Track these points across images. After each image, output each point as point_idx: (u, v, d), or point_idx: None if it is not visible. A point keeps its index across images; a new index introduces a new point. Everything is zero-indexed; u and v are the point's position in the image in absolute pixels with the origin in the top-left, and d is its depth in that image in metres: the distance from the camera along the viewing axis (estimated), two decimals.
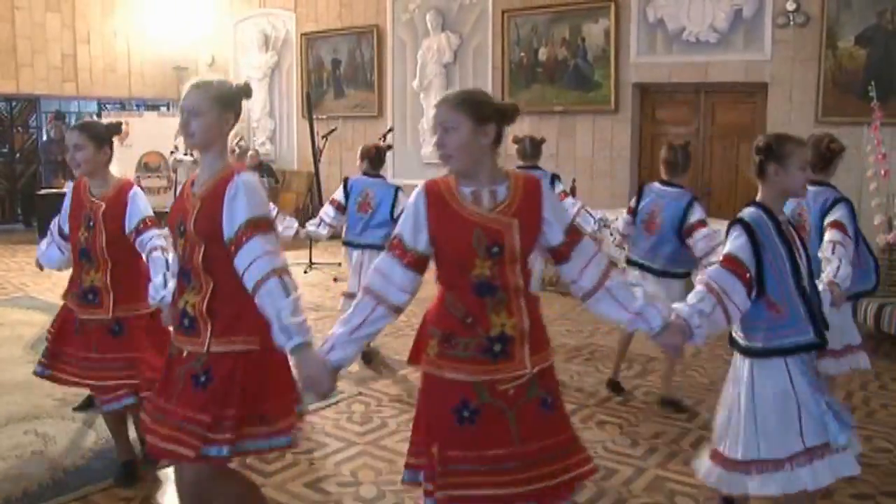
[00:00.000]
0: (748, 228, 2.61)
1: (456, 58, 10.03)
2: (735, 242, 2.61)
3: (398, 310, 2.24)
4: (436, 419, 2.22)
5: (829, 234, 3.45)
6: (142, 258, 3.24)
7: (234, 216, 2.29)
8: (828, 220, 3.52)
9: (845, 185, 7.05)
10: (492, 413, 2.19)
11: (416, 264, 2.22)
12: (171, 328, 2.54)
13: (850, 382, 4.92)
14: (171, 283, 2.59)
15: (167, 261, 2.93)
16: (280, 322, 2.19)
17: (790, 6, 7.32)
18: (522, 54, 9.33)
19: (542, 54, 9.16)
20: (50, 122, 12.57)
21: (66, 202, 3.46)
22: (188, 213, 2.37)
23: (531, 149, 5.38)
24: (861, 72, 6.94)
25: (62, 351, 3.41)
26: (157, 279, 2.89)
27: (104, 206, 3.28)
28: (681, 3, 8.06)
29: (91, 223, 3.28)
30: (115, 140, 3.53)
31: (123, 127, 3.54)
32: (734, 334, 2.71)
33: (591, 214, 5.29)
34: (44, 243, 3.72)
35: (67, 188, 3.56)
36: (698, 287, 2.59)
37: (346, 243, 5.33)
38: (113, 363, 3.26)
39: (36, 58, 11.98)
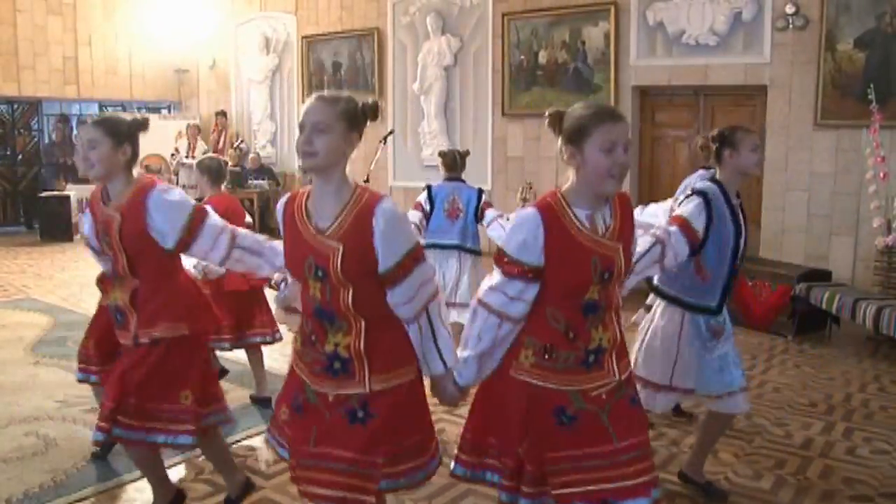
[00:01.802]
0: (707, 200, 3.09)
1: (456, 61, 10.05)
2: (690, 209, 3.07)
3: (522, 321, 2.26)
4: (533, 423, 2.23)
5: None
6: (179, 274, 2.90)
7: (391, 251, 2.15)
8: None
9: (844, 187, 7.13)
10: (588, 417, 2.22)
11: (536, 276, 2.19)
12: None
13: (850, 385, 4.94)
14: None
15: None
16: (439, 352, 2.28)
17: (789, 9, 7.34)
18: (522, 57, 9.35)
19: (542, 57, 9.18)
20: (54, 126, 12.59)
21: (88, 216, 2.93)
22: (325, 256, 2.14)
23: (460, 161, 5.35)
24: (860, 74, 6.95)
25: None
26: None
27: (118, 218, 2.72)
28: (680, 7, 8.08)
29: (107, 238, 2.76)
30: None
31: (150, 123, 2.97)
32: (655, 281, 3.31)
33: (502, 227, 5.20)
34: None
35: (70, 191, 3.42)
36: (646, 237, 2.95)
37: (437, 246, 5.17)
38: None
39: (37, 60, 12.02)
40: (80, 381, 3.58)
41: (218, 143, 12.36)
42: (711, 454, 3.69)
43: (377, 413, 2.19)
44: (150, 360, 2.75)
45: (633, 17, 8.40)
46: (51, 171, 12.22)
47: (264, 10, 12.26)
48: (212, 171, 4.40)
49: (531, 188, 8.99)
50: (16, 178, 12.58)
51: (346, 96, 2.22)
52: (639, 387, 2.89)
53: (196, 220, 2.70)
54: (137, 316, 2.75)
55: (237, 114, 12.88)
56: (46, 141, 12.64)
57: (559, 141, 2.27)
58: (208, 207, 2.82)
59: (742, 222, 3.16)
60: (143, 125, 2.87)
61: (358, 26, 11.00)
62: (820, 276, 6.47)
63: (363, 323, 2.18)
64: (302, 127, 2.17)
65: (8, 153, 12.63)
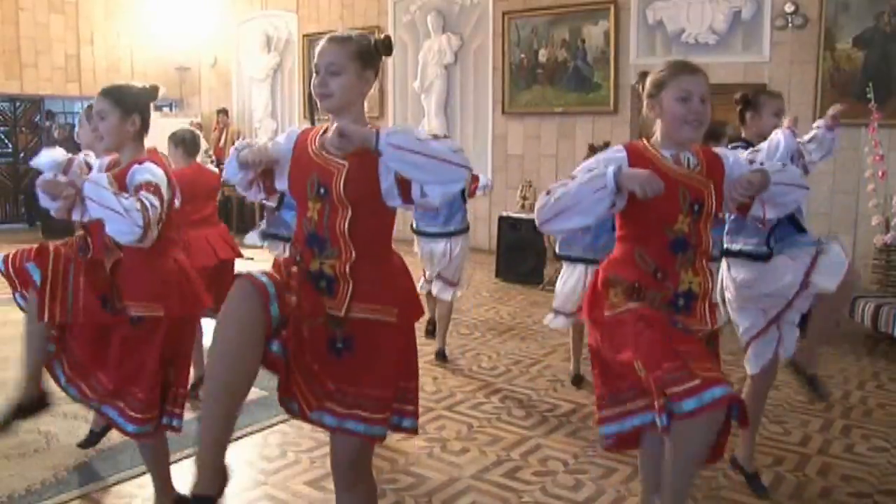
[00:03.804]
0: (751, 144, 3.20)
1: (457, 59, 10.07)
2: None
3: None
4: (647, 342, 2.18)
5: None
6: (167, 254, 2.81)
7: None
8: None
9: (843, 185, 7.14)
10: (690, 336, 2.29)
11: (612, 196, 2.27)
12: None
13: (848, 382, 4.95)
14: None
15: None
16: None
17: (788, 8, 7.35)
18: (523, 56, 9.37)
19: (543, 56, 9.19)
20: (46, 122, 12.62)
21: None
22: (330, 173, 2.15)
23: None
24: (859, 73, 6.97)
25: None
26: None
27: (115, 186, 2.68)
28: (680, 5, 8.09)
29: None
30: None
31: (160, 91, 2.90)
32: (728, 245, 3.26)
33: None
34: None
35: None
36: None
37: (421, 233, 5.26)
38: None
39: (40, 58, 12.04)
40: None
41: (219, 141, 12.37)
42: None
43: (356, 347, 2.14)
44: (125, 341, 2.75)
45: (633, 15, 8.42)
46: None
47: (265, 9, 12.27)
48: (186, 143, 4.29)
49: (530, 186, 9.05)
50: (18, 176, 12.61)
51: (357, 35, 2.21)
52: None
53: (145, 187, 2.62)
54: (118, 288, 2.74)
55: (238, 112, 12.89)
56: (47, 138, 12.66)
57: (644, 98, 2.42)
58: (161, 184, 2.69)
59: None
60: (152, 94, 2.84)
61: (359, 24, 11.00)
62: None
63: (353, 253, 2.15)
64: (317, 69, 2.17)
65: (10, 151, 12.66)
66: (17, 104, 12.48)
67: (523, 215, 8.52)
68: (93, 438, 3.70)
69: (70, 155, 3.01)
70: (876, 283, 6.30)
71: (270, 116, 12.47)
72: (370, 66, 2.20)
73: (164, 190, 2.69)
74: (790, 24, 7.38)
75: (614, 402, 2.40)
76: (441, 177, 2.04)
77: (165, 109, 13.44)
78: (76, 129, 3.98)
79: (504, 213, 8.60)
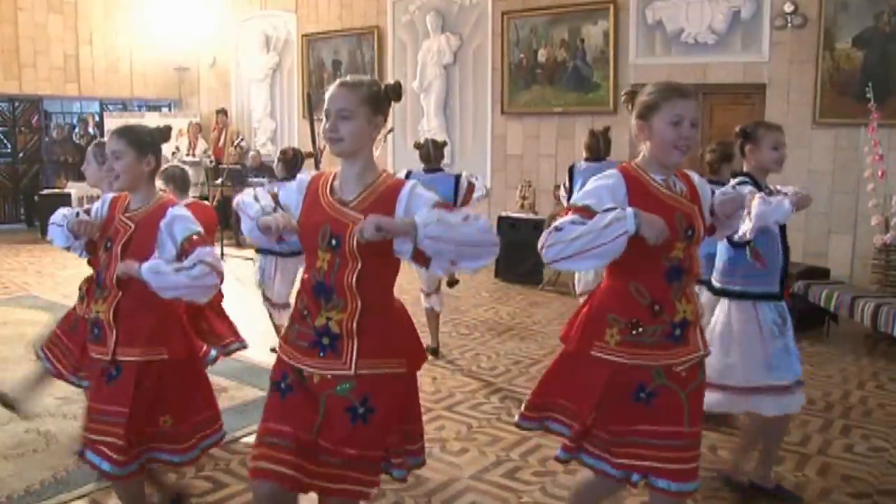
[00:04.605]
0: (756, 183, 3.17)
1: (456, 59, 10.06)
2: (751, 187, 3.09)
3: None
4: (609, 399, 2.30)
5: None
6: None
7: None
8: None
9: (843, 185, 7.15)
10: (667, 393, 2.30)
11: None
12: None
13: (848, 382, 4.96)
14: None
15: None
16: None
17: (788, 8, 7.36)
18: (522, 56, 9.36)
19: (542, 56, 9.19)
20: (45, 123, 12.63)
21: (99, 211, 2.82)
22: (344, 225, 2.16)
23: (434, 152, 5.33)
24: (858, 73, 6.97)
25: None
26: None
27: (133, 228, 2.68)
28: (679, 5, 8.09)
29: (109, 245, 2.70)
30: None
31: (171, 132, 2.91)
32: (716, 283, 3.32)
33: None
34: (58, 217, 2.91)
35: (71, 189, 3.31)
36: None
37: None
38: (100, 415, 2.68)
39: (38, 58, 12.04)
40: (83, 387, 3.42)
41: (218, 141, 12.37)
42: (710, 451, 3.71)
43: (376, 407, 2.20)
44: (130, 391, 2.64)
45: (632, 15, 8.42)
46: (52, 168, 12.24)
47: (265, 9, 12.27)
48: (177, 180, 4.32)
49: (530, 186, 9.05)
50: (17, 176, 12.60)
51: (368, 80, 2.26)
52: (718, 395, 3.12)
53: (197, 240, 2.63)
54: (117, 332, 2.65)
55: (237, 112, 12.89)
56: (46, 139, 12.66)
57: (632, 117, 2.39)
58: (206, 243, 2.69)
59: None
60: (165, 135, 2.86)
61: (358, 24, 11.01)
62: (818, 274, 6.49)
63: (360, 304, 2.17)
64: (327, 114, 2.21)
65: (9, 151, 12.65)
66: (16, 104, 12.47)
67: (522, 215, 8.53)
68: None
69: (76, 209, 2.96)
70: (875, 283, 6.31)
71: (269, 116, 12.47)
72: (380, 112, 2.24)
73: (204, 233, 2.72)
74: (789, 24, 7.39)
75: (539, 408, 2.50)
76: (474, 259, 2.13)
77: (165, 109, 13.44)
78: (75, 129, 3.96)
79: (503, 213, 8.61)
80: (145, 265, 2.54)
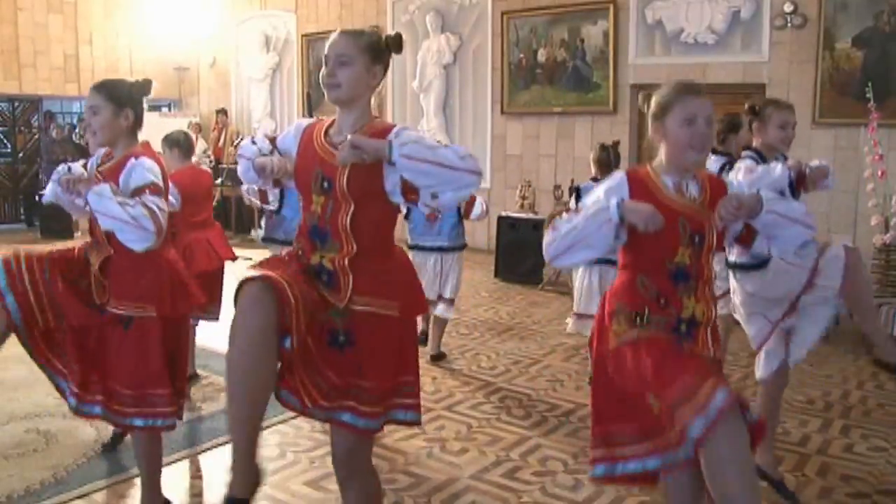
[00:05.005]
0: (763, 159, 3.15)
1: (455, 59, 10.07)
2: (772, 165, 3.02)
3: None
4: (652, 368, 2.16)
5: None
6: (159, 252, 2.72)
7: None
8: None
9: (843, 185, 7.14)
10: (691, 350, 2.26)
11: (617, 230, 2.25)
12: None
13: (847, 382, 4.96)
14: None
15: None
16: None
17: (788, 8, 7.36)
18: (522, 55, 9.37)
19: (542, 55, 9.19)
20: (48, 123, 12.61)
21: (93, 167, 2.85)
22: (334, 167, 2.17)
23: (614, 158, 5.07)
24: (858, 73, 6.98)
25: None
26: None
27: (102, 181, 2.66)
28: (679, 5, 8.10)
29: None
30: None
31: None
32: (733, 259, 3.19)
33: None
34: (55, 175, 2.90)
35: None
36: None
37: (420, 248, 5.17)
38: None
39: (38, 58, 12.03)
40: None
41: (218, 140, 12.36)
42: None
43: (356, 342, 2.17)
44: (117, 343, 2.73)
45: (632, 15, 8.42)
46: (51, 169, 12.19)
47: (264, 9, 12.27)
48: (181, 144, 4.32)
49: (529, 186, 9.05)
50: (16, 176, 12.60)
51: (369, 30, 2.27)
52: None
53: (149, 189, 2.61)
54: (108, 286, 2.72)
55: (237, 112, 12.89)
56: (46, 139, 12.66)
57: (649, 121, 2.38)
58: (160, 181, 2.70)
59: None
60: (144, 88, 2.82)
61: (358, 24, 11.00)
62: None
63: (354, 247, 2.18)
64: (326, 59, 2.21)
65: (9, 151, 12.65)
66: (16, 104, 12.47)
67: (522, 215, 8.52)
68: (116, 440, 3.68)
69: (69, 164, 2.97)
70: (875, 283, 6.30)
71: (269, 116, 12.47)
72: (379, 61, 2.23)
73: (162, 186, 2.69)
74: (789, 24, 7.39)
75: (605, 443, 2.31)
76: (451, 184, 2.09)
77: (164, 109, 13.43)
78: (76, 129, 3.97)
79: (503, 213, 8.60)
80: (92, 188, 2.56)
